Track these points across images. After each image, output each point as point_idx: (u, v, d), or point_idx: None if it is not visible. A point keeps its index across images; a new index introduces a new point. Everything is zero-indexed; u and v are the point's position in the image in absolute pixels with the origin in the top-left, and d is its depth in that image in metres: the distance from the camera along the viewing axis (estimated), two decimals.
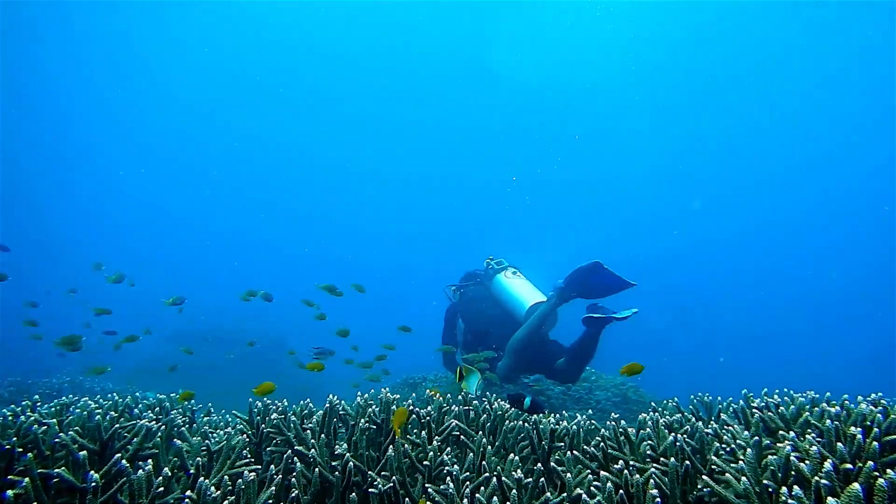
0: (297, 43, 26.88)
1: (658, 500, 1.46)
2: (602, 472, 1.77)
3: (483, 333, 5.33)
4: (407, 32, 26.23)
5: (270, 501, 1.86)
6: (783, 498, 1.24)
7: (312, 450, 2.12)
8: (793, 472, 1.37)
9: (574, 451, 1.99)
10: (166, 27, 25.06)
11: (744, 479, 1.41)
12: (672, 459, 1.64)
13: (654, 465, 1.82)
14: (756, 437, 1.65)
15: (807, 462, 1.35)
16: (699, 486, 1.70)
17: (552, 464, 1.96)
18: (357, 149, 31.21)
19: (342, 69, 28.09)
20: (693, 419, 2.22)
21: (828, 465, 1.28)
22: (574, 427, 2.25)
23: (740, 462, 1.56)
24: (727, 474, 1.44)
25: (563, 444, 2.25)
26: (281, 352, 15.21)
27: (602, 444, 2.03)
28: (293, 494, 1.92)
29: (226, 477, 1.89)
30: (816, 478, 1.26)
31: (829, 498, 1.19)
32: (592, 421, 2.46)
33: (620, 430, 2.03)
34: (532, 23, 25.04)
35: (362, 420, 2.32)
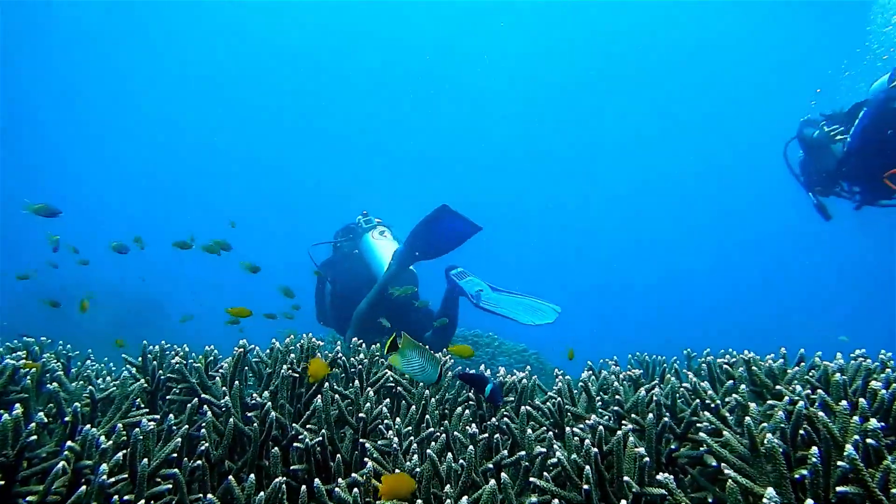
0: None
1: (646, 459, 1.32)
2: (573, 429, 1.63)
3: (352, 297, 4.96)
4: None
5: (174, 456, 1.58)
6: (812, 459, 1.13)
7: (225, 398, 1.83)
8: (809, 431, 1.28)
9: (527, 407, 1.83)
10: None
11: (742, 442, 1.30)
12: (650, 416, 1.52)
13: (624, 423, 1.70)
14: (747, 393, 1.57)
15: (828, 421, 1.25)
16: (680, 448, 1.59)
17: (506, 420, 1.79)
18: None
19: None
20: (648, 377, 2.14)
21: (873, 423, 1.18)
22: (523, 382, 2.10)
23: (734, 420, 1.46)
24: (726, 433, 1.32)
25: (511, 399, 2.10)
26: (160, 313, 14.28)
27: (558, 399, 1.89)
28: (202, 448, 1.64)
29: (119, 425, 1.58)
30: (852, 438, 1.17)
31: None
32: (535, 377, 2.33)
33: (582, 383, 1.90)
34: None
35: (284, 367, 2.05)
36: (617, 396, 1.74)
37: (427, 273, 5.45)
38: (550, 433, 1.68)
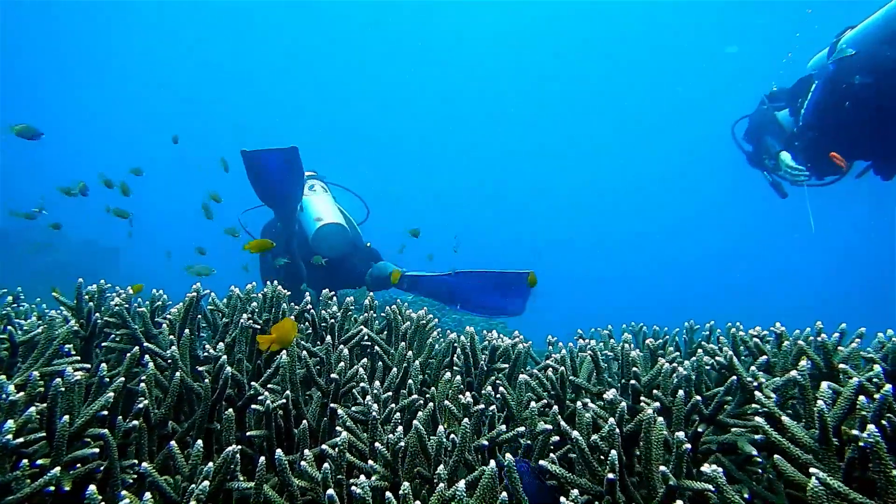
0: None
1: (687, 446, 1.11)
2: (586, 405, 1.42)
3: (297, 260, 4.83)
4: None
5: (105, 413, 1.32)
6: None
7: (173, 347, 1.57)
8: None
9: (525, 376, 1.62)
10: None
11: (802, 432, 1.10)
12: (680, 393, 1.31)
13: (644, 401, 1.50)
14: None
15: None
16: (711, 432, 1.40)
17: (502, 389, 1.57)
18: None
19: None
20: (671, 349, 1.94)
21: None
22: (518, 347, 1.88)
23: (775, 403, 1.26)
24: (784, 418, 1.11)
25: (505, 366, 1.88)
26: (111, 263, 13.79)
27: (561, 369, 1.68)
28: (139, 406, 1.39)
29: (35, 374, 1.31)
30: None
31: None
32: (530, 342, 2.12)
33: (590, 352, 1.68)
34: None
35: (244, 317, 1.80)
36: (635, 369, 1.53)
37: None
38: (555, 407, 1.47)
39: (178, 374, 1.51)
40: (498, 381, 1.85)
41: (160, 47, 26.52)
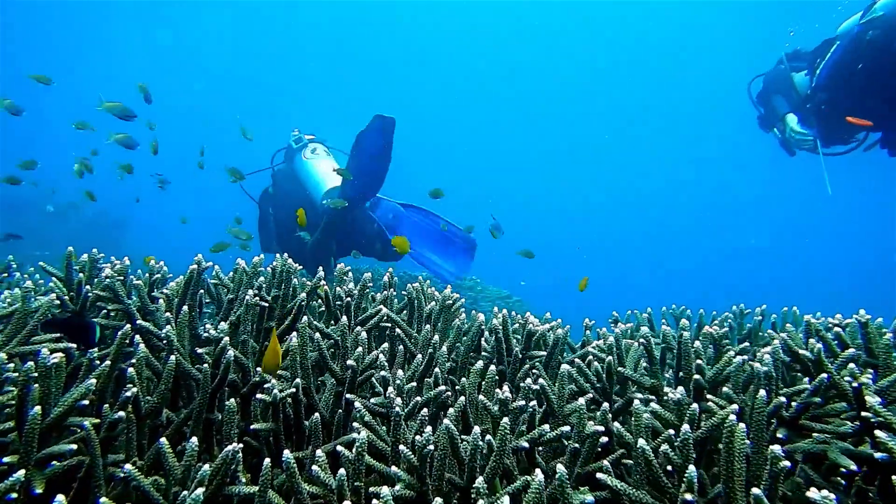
0: None
1: (786, 463, 0.91)
2: (642, 403, 1.23)
3: (290, 219, 4.70)
4: None
5: (86, 403, 1.14)
6: None
7: (168, 327, 1.39)
8: None
9: (567, 366, 1.42)
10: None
11: None
12: (762, 393, 1.11)
13: (711, 399, 1.29)
14: None
15: None
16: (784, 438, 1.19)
17: (543, 381, 1.38)
18: None
19: None
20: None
21: None
22: (557, 332, 1.68)
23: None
24: None
25: (542, 353, 1.68)
26: (121, 231, 13.72)
27: (608, 359, 1.48)
28: (128, 394, 1.21)
29: (2, 356, 1.13)
30: None
31: None
32: (568, 327, 1.91)
33: (642, 340, 1.48)
34: None
35: (249, 293, 1.61)
36: (699, 361, 1.33)
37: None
38: (605, 404, 1.27)
39: (173, 357, 1.32)
40: (534, 371, 1.65)
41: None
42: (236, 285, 1.79)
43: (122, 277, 1.75)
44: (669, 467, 1.06)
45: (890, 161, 4.17)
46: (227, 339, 1.38)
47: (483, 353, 1.80)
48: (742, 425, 1.04)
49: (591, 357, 1.72)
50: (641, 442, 1.03)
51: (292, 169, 5.11)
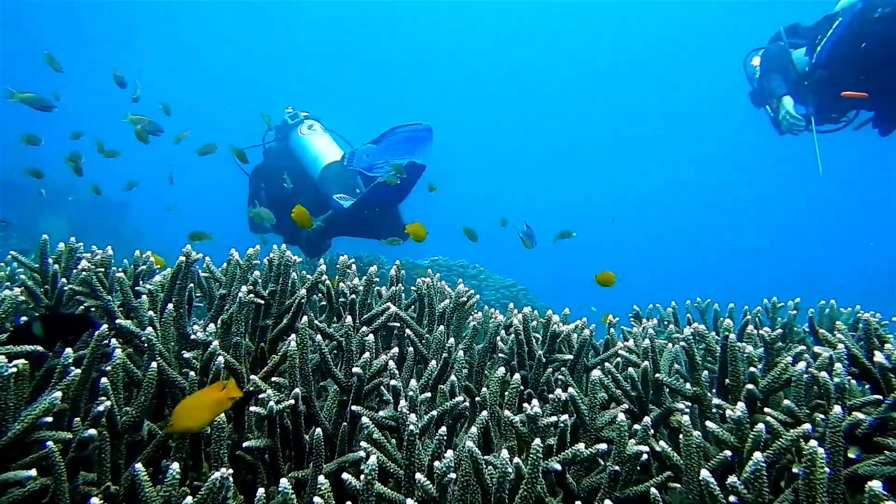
0: None
1: None
2: (684, 414, 1.07)
3: (287, 200, 4.66)
4: None
5: (50, 419, 0.98)
6: None
7: (150, 328, 1.23)
8: None
9: (599, 373, 1.25)
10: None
11: None
12: (836, 409, 0.95)
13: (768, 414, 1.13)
14: None
15: None
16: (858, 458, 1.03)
17: (572, 390, 1.22)
18: None
19: None
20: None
21: None
22: (585, 333, 1.52)
23: None
24: None
25: (567, 357, 1.52)
26: (121, 218, 13.47)
27: (644, 364, 1.32)
28: (100, 408, 1.05)
29: None
30: None
31: None
32: (593, 326, 1.75)
33: (684, 343, 1.31)
34: None
35: (243, 289, 1.44)
36: (753, 369, 1.17)
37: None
38: (647, 419, 1.11)
39: (155, 363, 1.16)
40: (560, 377, 1.49)
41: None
42: (228, 279, 1.62)
43: (102, 269, 1.59)
44: (733, 498, 0.90)
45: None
46: (216, 342, 1.21)
47: (500, 355, 1.64)
48: (821, 450, 0.88)
49: (620, 360, 1.56)
50: (705, 474, 0.87)
51: (287, 145, 5.06)
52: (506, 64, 28.51)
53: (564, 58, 27.66)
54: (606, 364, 1.42)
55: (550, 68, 28.18)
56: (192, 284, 1.65)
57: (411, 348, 1.57)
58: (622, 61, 26.80)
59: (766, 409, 1.14)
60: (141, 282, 1.68)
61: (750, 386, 1.15)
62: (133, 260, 1.75)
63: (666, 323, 2.23)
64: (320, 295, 1.84)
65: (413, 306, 1.87)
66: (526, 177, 31.84)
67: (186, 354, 1.29)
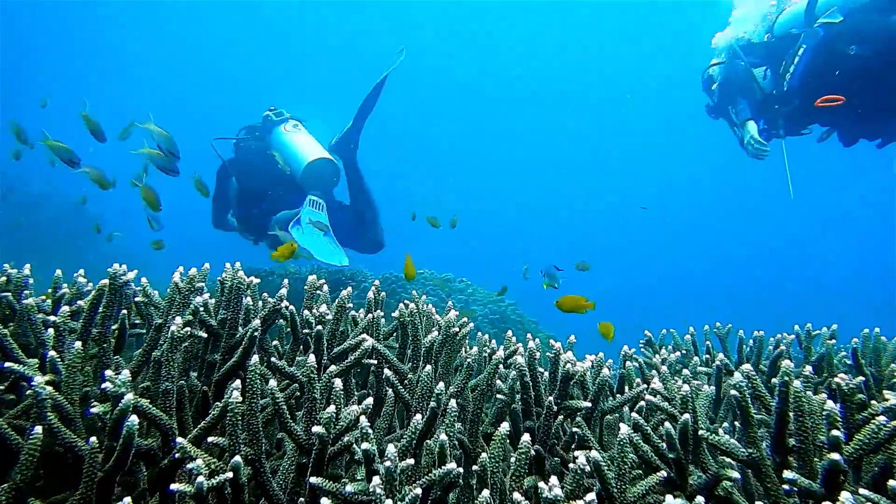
0: None
1: None
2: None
3: (259, 192, 4.92)
4: None
5: None
6: None
7: (38, 378, 0.92)
8: None
9: (627, 428, 0.97)
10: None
11: None
12: None
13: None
14: None
15: None
16: None
17: (594, 453, 0.93)
18: None
19: None
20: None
21: None
22: (604, 373, 1.23)
23: None
24: None
25: (584, 405, 1.23)
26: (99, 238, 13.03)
27: (685, 418, 1.03)
28: None
29: None
30: None
31: None
32: (610, 362, 1.47)
33: (735, 393, 1.02)
34: None
35: (177, 322, 1.14)
36: (836, 432, 0.89)
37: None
38: (701, 500, 0.83)
39: (39, 427, 0.86)
40: (576, 430, 1.20)
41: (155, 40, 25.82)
42: (168, 304, 1.32)
43: (8, 294, 1.28)
44: None
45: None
46: (129, 396, 0.91)
47: (499, 397, 1.35)
48: None
49: (643, 403, 1.28)
50: None
51: (268, 141, 5.07)
52: (505, 65, 28.34)
53: (564, 59, 27.51)
54: (633, 415, 1.13)
55: (550, 70, 28.04)
56: (125, 311, 1.35)
57: (390, 389, 1.28)
58: (623, 63, 26.72)
59: (863, 492, 0.86)
60: (49, 298, 1.37)
61: (834, 456, 0.87)
62: (53, 280, 1.44)
63: (683, 351, 1.95)
64: (285, 321, 1.54)
65: (395, 333, 1.58)
66: (523, 181, 31.72)
67: (95, 409, 0.98)
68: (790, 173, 4.21)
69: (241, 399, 0.99)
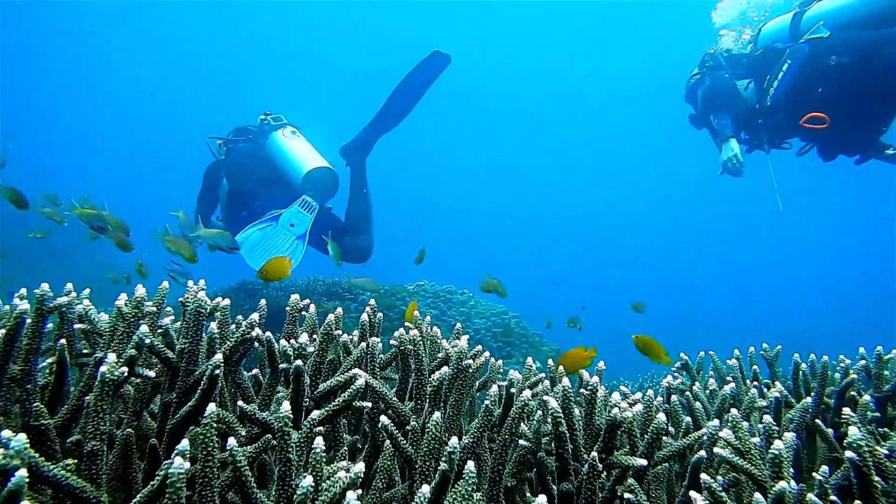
0: None
1: None
2: None
3: (250, 194, 4.86)
4: None
5: None
6: None
7: None
8: None
9: (700, 498, 0.71)
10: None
11: None
12: None
13: None
14: None
15: None
16: None
17: None
18: None
19: None
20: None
21: None
22: (659, 419, 0.97)
23: None
24: None
25: (637, 462, 0.96)
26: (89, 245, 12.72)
27: (782, 487, 0.77)
28: None
29: None
30: None
31: None
32: (657, 402, 1.20)
33: (852, 455, 0.76)
34: None
35: (109, 359, 0.88)
36: None
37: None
38: None
39: None
40: (629, 497, 0.93)
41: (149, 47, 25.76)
42: (110, 335, 1.06)
43: None
44: None
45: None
46: (22, 473, 0.65)
47: (521, 443, 1.08)
48: None
49: (710, 452, 1.01)
50: None
51: (262, 146, 5.00)
52: (504, 65, 28.25)
53: (564, 62, 27.41)
54: (704, 477, 0.86)
55: (551, 72, 27.93)
56: (65, 342, 1.09)
57: (389, 441, 1.01)
58: (623, 66, 26.60)
59: None
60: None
61: None
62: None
63: (730, 379, 1.69)
64: (262, 347, 1.28)
65: (393, 364, 1.33)
66: (523, 187, 31.60)
67: None
68: (777, 186, 4.20)
69: (185, 468, 0.73)
